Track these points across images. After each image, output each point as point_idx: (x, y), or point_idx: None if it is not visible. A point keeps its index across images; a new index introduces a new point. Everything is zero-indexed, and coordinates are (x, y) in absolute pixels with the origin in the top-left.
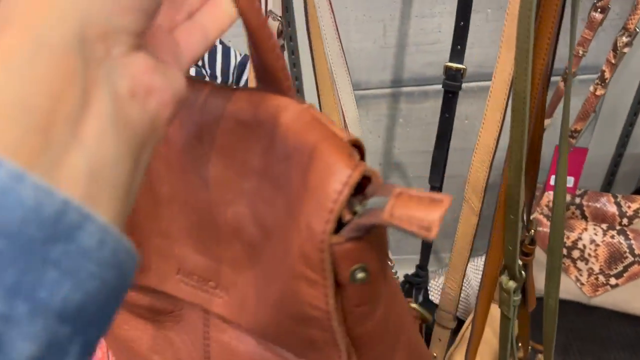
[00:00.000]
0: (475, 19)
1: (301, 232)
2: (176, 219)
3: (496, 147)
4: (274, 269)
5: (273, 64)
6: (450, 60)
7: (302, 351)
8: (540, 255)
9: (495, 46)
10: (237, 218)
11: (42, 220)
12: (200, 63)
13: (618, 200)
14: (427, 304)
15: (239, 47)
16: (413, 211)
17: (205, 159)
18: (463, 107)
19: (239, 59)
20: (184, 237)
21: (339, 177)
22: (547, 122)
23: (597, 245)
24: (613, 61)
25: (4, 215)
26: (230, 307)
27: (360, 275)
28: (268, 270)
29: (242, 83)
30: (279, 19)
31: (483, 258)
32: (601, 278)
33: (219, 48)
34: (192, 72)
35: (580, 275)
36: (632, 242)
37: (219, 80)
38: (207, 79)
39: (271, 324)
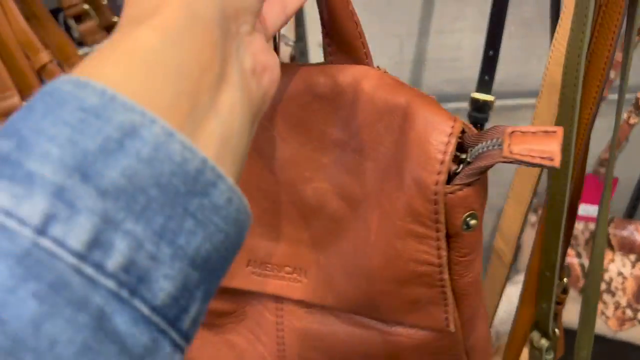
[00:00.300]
0: None
1: (407, 190)
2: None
3: (533, 197)
4: (367, 238)
5: (352, 32)
6: (477, 91)
7: (400, 316)
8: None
9: (518, 64)
10: (318, 194)
11: (186, 174)
12: None
13: None
14: None
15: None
16: (531, 145)
17: (278, 140)
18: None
19: None
20: (253, 227)
21: (444, 129)
22: None
23: (625, 278)
24: None
25: (157, 167)
26: (311, 289)
27: (472, 222)
28: (358, 241)
29: None
30: (291, 44)
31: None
32: (628, 312)
33: None
34: None
35: (606, 308)
36: None
37: None
38: None
39: (365, 295)
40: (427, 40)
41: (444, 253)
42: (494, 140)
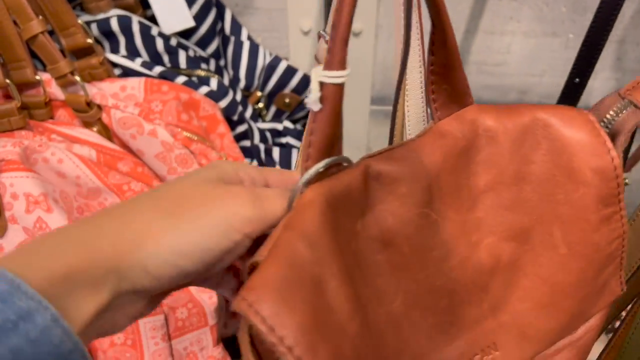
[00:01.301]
0: (552, 43)
1: (591, 183)
2: (421, 325)
3: None
4: (555, 256)
5: (463, 80)
6: None
7: (589, 312)
8: None
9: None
10: (491, 252)
11: (60, 355)
12: (222, 62)
13: None
14: None
15: (270, 44)
16: None
17: (439, 222)
18: None
19: (268, 59)
20: (434, 336)
21: (584, 118)
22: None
23: None
24: None
25: (40, 347)
26: (509, 356)
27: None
28: (544, 267)
29: (268, 88)
30: None
31: None
32: None
33: (246, 45)
34: (214, 83)
35: None
36: None
37: (242, 83)
38: (226, 81)
39: (565, 315)
40: (472, 40)
41: (625, 219)
42: (623, 103)
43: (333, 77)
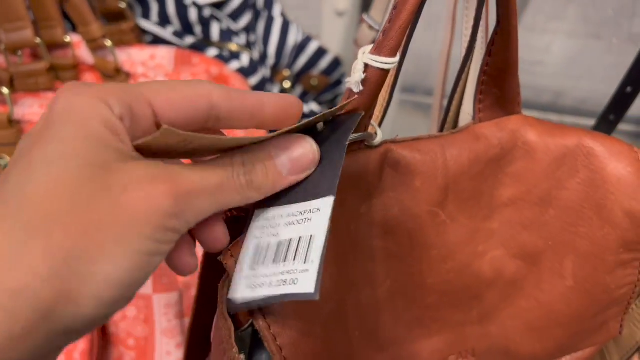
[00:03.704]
0: (594, 47)
1: (620, 224)
2: (402, 314)
3: None
4: (559, 286)
5: (516, 86)
6: (595, 129)
7: (579, 345)
8: None
9: (610, 85)
10: (494, 264)
11: None
12: (253, 38)
13: None
14: None
15: (302, 23)
16: None
17: (448, 224)
18: None
19: (300, 38)
20: (414, 328)
21: (634, 157)
22: None
23: None
24: None
25: None
26: None
27: None
28: (545, 294)
29: (296, 68)
30: (377, 29)
31: None
32: None
33: (278, 21)
34: (245, 59)
35: None
36: None
37: (270, 61)
38: (256, 57)
39: (553, 341)
40: None
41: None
42: None
43: (381, 62)
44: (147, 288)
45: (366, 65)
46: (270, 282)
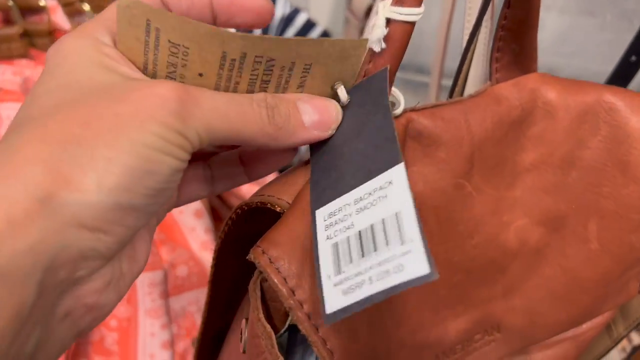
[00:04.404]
0: (587, 23)
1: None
2: (428, 297)
3: None
4: (583, 249)
5: (534, 42)
6: None
7: (603, 308)
8: None
9: (603, 64)
10: (519, 234)
11: None
12: None
13: None
14: None
15: None
16: None
17: (474, 196)
18: None
19: (287, 10)
20: (440, 313)
21: None
22: None
23: None
24: None
25: None
26: (507, 340)
27: None
28: (569, 259)
29: None
30: None
31: None
32: None
33: None
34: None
35: None
36: None
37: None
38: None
39: (578, 309)
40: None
41: None
42: None
43: (406, 14)
44: None
45: (388, 20)
46: (369, 278)
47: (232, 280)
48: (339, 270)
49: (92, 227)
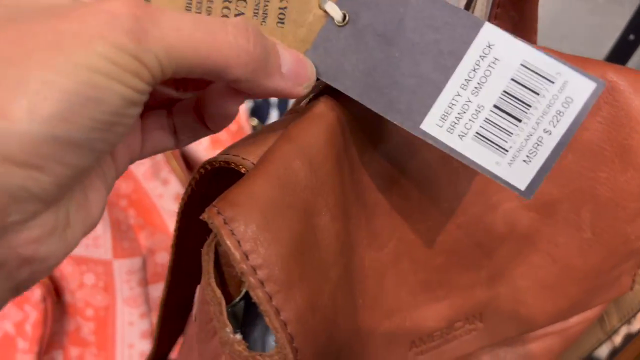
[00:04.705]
0: (578, 6)
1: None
2: (407, 278)
3: None
4: (576, 238)
5: (534, 13)
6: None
7: (593, 302)
8: None
9: (593, 47)
10: (507, 217)
11: None
12: None
13: None
14: None
15: None
16: None
17: (457, 174)
18: None
19: None
20: (420, 293)
21: None
22: None
23: None
24: None
25: None
26: (489, 330)
27: None
28: (560, 247)
29: None
30: None
31: None
32: None
33: None
34: None
35: None
36: None
37: None
38: None
39: (567, 300)
40: None
41: None
42: None
43: None
44: (106, 253)
45: None
46: (544, 131)
47: (196, 246)
48: (504, 151)
49: (22, 162)
